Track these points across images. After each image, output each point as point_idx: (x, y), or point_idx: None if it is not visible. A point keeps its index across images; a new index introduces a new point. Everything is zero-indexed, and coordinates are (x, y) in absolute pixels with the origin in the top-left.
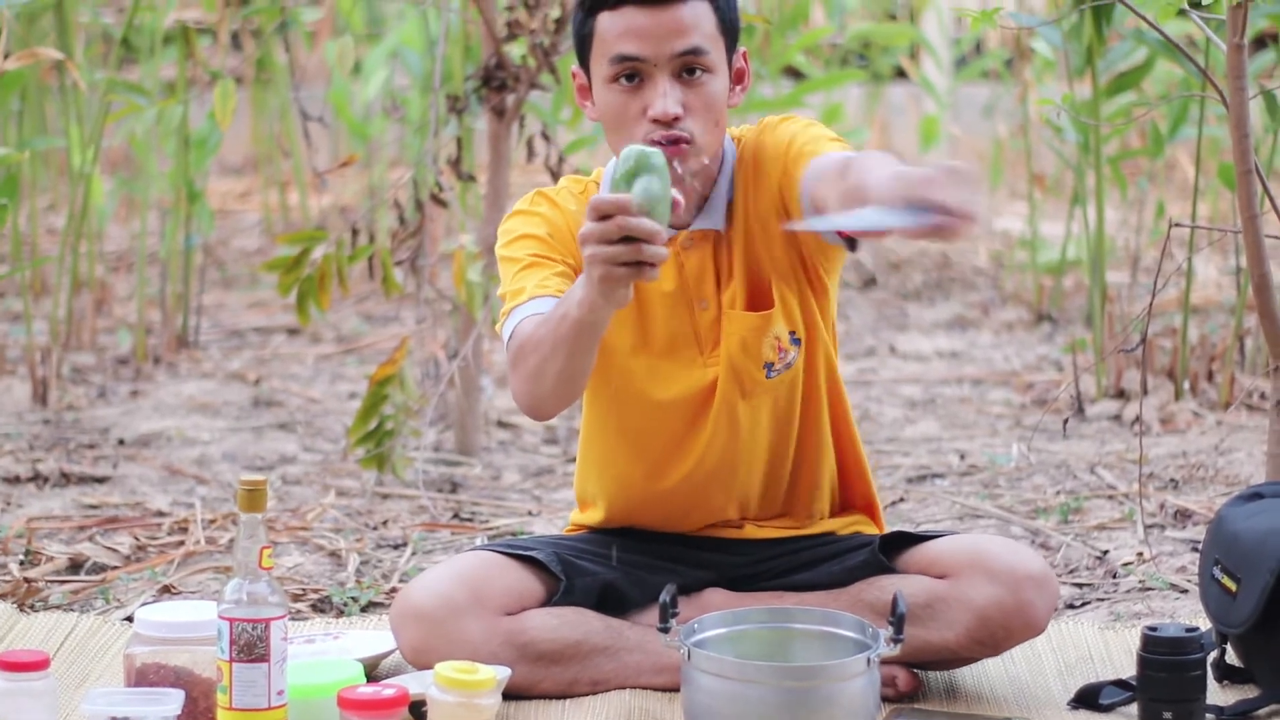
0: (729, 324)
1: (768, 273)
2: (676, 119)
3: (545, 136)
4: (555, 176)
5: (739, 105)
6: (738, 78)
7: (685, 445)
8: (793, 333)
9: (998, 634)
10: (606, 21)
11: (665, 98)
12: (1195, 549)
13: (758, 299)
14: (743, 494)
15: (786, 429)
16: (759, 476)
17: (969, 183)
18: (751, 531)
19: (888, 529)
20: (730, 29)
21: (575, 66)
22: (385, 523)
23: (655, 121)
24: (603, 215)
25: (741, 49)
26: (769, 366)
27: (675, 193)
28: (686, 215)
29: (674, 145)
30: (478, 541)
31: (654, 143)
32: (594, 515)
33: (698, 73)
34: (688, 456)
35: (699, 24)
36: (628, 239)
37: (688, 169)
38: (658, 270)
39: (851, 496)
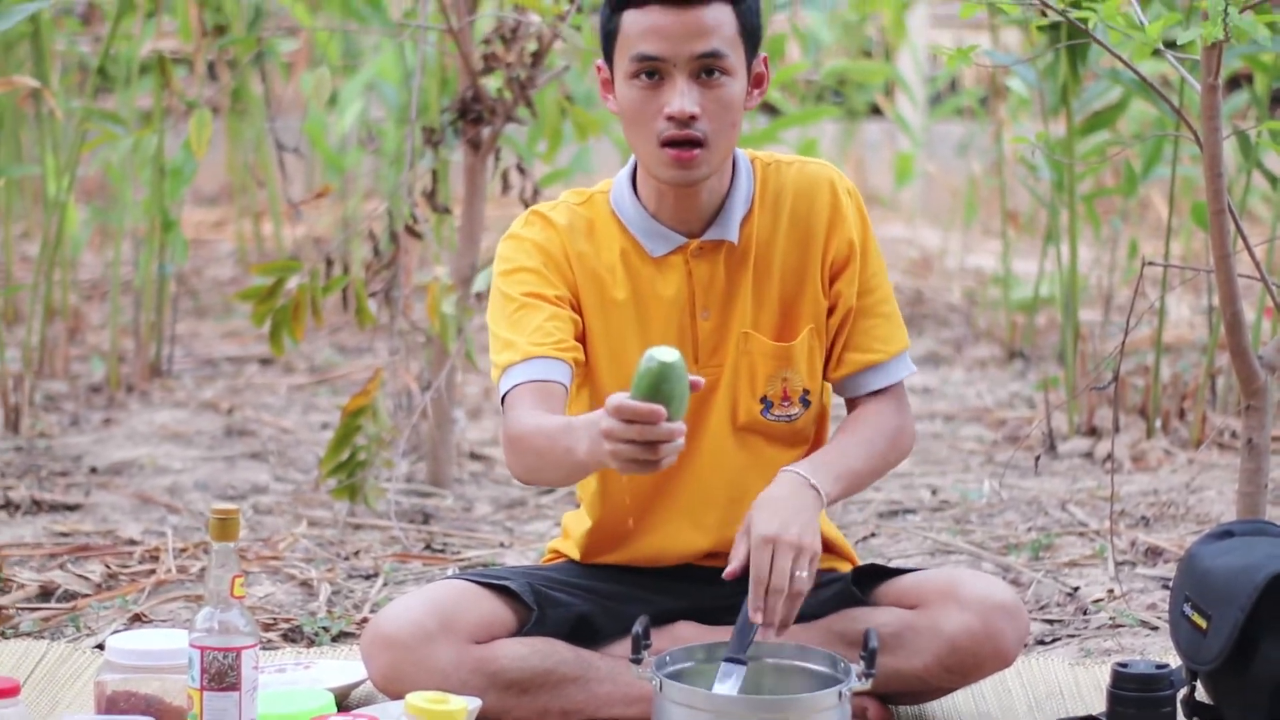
0: (745, 343)
1: (802, 308)
2: (693, 118)
3: (520, 169)
4: None
5: (754, 108)
6: (756, 81)
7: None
8: (806, 391)
9: (967, 662)
10: (631, 19)
11: (682, 97)
12: (1166, 586)
13: (780, 331)
14: (712, 527)
15: (770, 476)
16: (733, 513)
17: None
18: (724, 562)
19: (861, 563)
20: (751, 33)
21: (600, 61)
22: (357, 553)
23: (671, 119)
24: (627, 420)
25: (762, 54)
26: (766, 404)
27: (694, 376)
28: (698, 224)
29: (687, 149)
30: (449, 573)
31: (668, 142)
32: (573, 545)
33: (716, 75)
34: (677, 471)
35: (720, 27)
36: (646, 443)
37: (698, 173)
38: (674, 458)
39: (824, 545)
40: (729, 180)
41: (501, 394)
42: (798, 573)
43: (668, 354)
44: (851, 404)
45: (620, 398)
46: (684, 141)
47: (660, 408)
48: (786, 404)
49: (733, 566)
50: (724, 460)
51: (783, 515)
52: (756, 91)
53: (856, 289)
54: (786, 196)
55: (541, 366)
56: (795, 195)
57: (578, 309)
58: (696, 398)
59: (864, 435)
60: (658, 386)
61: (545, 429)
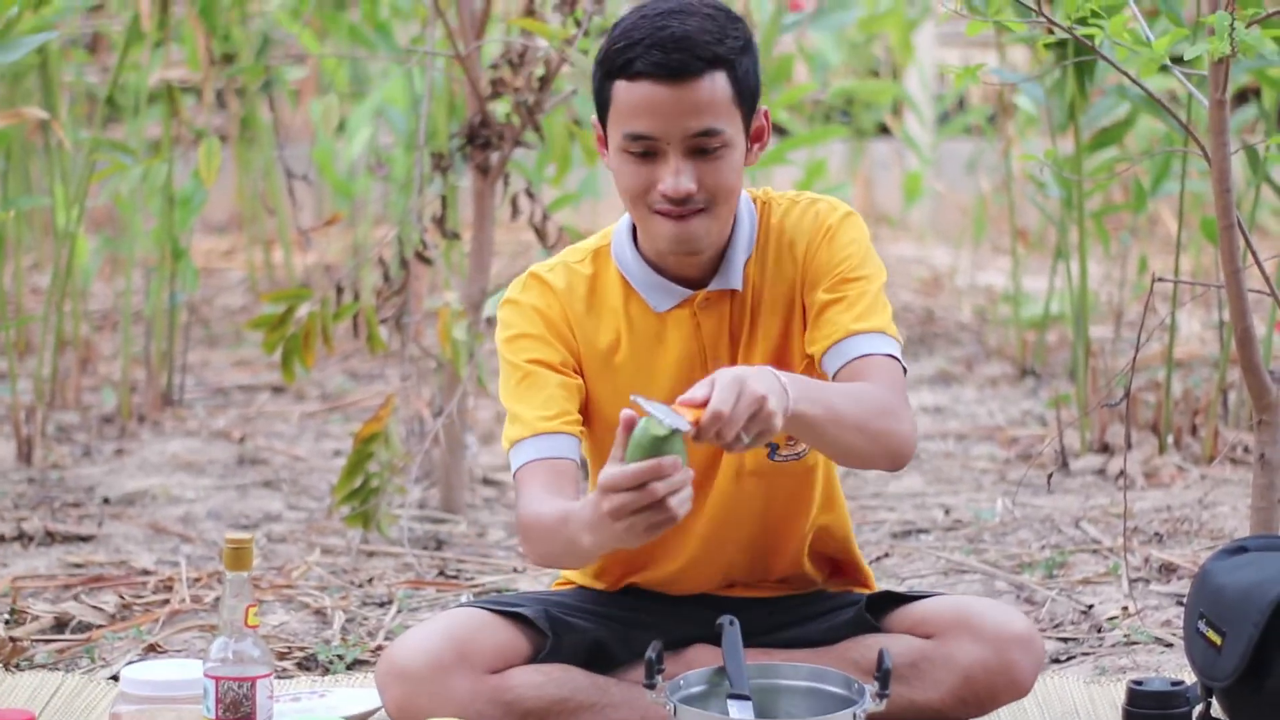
0: None
1: (793, 349)
2: (689, 195)
3: (529, 194)
4: (540, 234)
5: (755, 163)
6: (756, 136)
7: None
8: None
9: (982, 694)
10: (623, 91)
11: (677, 176)
12: (1180, 603)
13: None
14: (730, 566)
15: (787, 516)
16: (751, 554)
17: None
18: (740, 591)
19: (877, 588)
20: (749, 95)
21: (594, 118)
22: (370, 580)
23: (665, 196)
24: (627, 489)
25: (763, 108)
26: (773, 448)
27: (683, 421)
28: (700, 272)
29: (682, 219)
30: (463, 599)
31: (661, 213)
32: (584, 572)
33: (712, 151)
34: (685, 523)
35: (714, 101)
36: (655, 503)
37: (699, 243)
38: (689, 505)
39: (842, 569)
40: (730, 227)
41: (513, 471)
42: (744, 435)
43: (660, 425)
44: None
45: (611, 472)
46: (680, 212)
47: (658, 462)
48: (792, 443)
49: (687, 398)
50: (735, 505)
51: (753, 373)
52: (757, 146)
53: (831, 282)
54: (785, 237)
55: (549, 443)
56: (794, 235)
57: (580, 373)
58: (706, 451)
59: (853, 388)
60: (651, 454)
61: (544, 521)
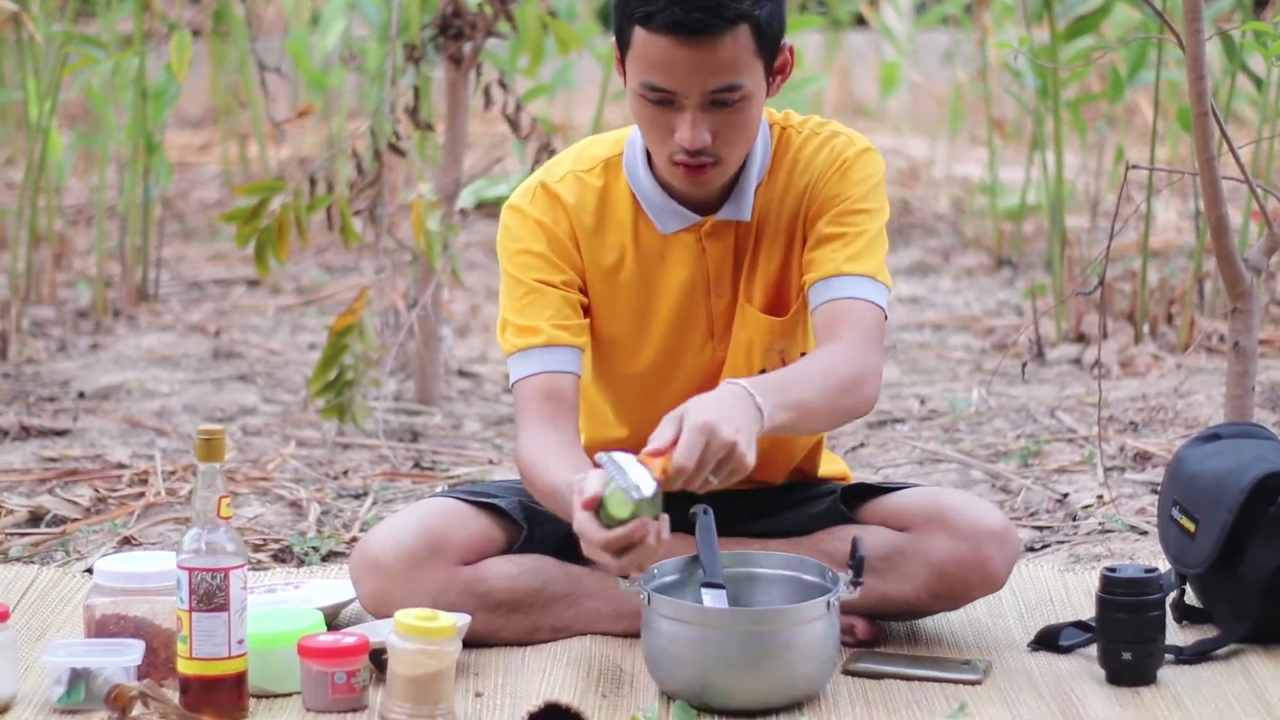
0: (741, 317)
1: (792, 278)
2: (705, 146)
3: (502, 84)
4: (513, 125)
5: (777, 94)
6: (779, 69)
7: None
8: (803, 354)
9: (955, 589)
10: (640, 39)
11: (694, 128)
12: (1154, 491)
13: (775, 303)
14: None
15: (771, 450)
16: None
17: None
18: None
19: (852, 479)
20: (772, 41)
21: (614, 40)
22: (346, 472)
23: (682, 147)
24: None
25: (786, 44)
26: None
27: (647, 484)
28: (712, 197)
29: (698, 169)
30: (438, 490)
31: (678, 164)
32: None
33: (731, 104)
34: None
35: (736, 58)
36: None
37: (711, 186)
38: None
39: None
40: (744, 158)
41: (511, 381)
42: (713, 478)
43: (624, 499)
44: (818, 333)
45: (594, 534)
46: (696, 164)
47: (634, 526)
48: None
49: (652, 447)
50: None
51: (723, 413)
52: (779, 78)
53: (834, 214)
54: (799, 169)
55: (551, 356)
56: (808, 167)
57: (584, 290)
58: (706, 372)
59: (820, 367)
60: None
61: (540, 480)
